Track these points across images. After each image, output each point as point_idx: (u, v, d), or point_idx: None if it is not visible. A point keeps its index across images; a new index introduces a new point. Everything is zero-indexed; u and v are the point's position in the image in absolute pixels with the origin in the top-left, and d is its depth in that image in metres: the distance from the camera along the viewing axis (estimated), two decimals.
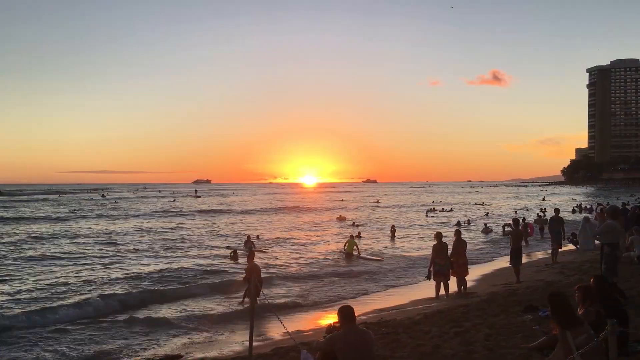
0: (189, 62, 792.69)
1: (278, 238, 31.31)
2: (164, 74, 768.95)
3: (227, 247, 22.90)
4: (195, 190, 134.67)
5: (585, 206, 54.36)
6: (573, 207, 57.11)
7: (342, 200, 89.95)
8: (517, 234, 14.94)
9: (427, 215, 51.70)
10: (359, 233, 32.76)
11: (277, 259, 22.91)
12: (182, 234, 33.72)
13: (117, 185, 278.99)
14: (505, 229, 17.73)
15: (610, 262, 10.13)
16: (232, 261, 21.13)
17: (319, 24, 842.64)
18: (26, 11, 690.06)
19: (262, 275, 17.05)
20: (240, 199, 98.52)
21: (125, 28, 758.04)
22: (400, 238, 31.91)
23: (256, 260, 21.54)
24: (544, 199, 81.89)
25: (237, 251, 22.67)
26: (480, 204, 67.97)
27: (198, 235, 33.35)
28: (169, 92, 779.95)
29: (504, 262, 20.71)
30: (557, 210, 19.14)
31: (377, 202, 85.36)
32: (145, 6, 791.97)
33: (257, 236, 29.98)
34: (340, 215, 47.93)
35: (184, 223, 42.65)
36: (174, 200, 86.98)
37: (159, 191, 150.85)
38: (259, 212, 57.56)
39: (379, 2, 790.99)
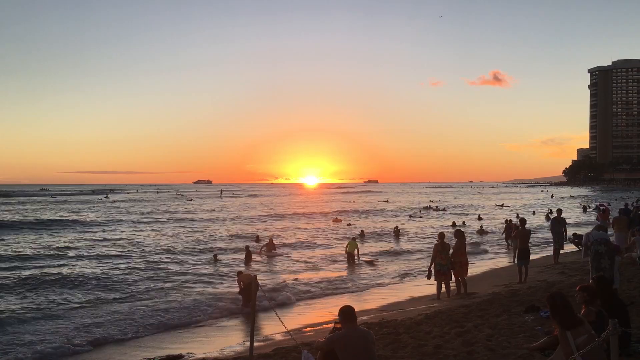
0: (190, 62, 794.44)
1: (281, 237, 31.34)
2: (165, 74, 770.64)
3: (215, 255, 22.99)
4: (221, 191, 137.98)
5: (596, 206, 54.45)
6: (583, 206, 57.37)
7: (353, 201, 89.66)
8: (524, 234, 14.88)
9: (410, 217, 50.48)
10: (362, 232, 32.73)
11: (280, 261, 22.95)
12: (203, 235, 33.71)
13: (125, 185, 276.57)
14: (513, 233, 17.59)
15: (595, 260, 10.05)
16: (215, 264, 21.36)
17: (320, 24, 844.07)
18: (30, 12, 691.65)
19: (265, 280, 17.11)
20: (253, 200, 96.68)
21: (128, 28, 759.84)
22: (404, 237, 31.95)
23: (277, 262, 21.99)
24: (552, 196, 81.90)
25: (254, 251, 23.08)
26: (500, 205, 67.04)
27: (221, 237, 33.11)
28: (171, 92, 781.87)
29: (505, 262, 20.74)
30: (559, 211, 19.09)
31: (386, 201, 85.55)
32: (148, 6, 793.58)
33: (260, 239, 29.58)
34: (336, 218, 47.85)
35: (211, 227, 40.23)
36: (191, 200, 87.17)
37: (157, 191, 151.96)
38: (275, 216, 54.33)
39: (380, 2, 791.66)
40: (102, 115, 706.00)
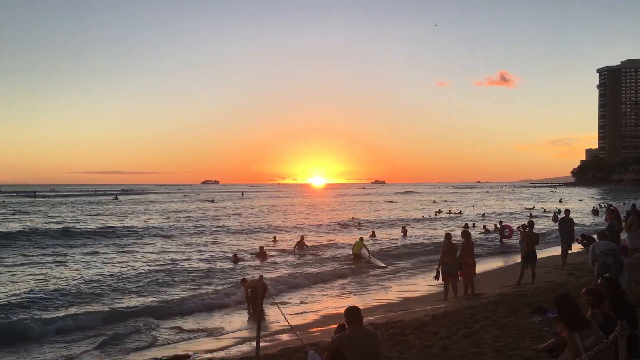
0: (197, 62, 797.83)
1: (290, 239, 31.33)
2: (172, 74, 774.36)
3: (235, 255, 22.87)
4: (242, 192, 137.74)
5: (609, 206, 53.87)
6: (594, 208, 56.78)
7: (370, 201, 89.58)
8: (530, 237, 14.77)
9: (423, 217, 49.83)
10: (373, 232, 32.64)
11: (287, 260, 22.95)
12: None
13: (144, 185, 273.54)
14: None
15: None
16: (233, 264, 21.31)
17: (327, 24, 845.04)
18: (37, 13, 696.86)
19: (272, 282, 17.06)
20: (278, 202, 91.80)
21: (135, 27, 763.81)
22: (411, 237, 31.88)
23: (286, 262, 21.96)
24: (560, 200, 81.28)
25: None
26: (530, 208, 66.02)
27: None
28: (178, 92, 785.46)
29: (511, 262, 20.63)
30: (567, 211, 18.95)
31: (392, 201, 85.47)
32: (154, 5, 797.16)
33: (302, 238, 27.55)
34: (353, 217, 47.75)
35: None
36: (213, 202, 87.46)
37: (163, 191, 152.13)
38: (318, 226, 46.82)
39: (386, 2, 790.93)
40: (109, 115, 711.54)
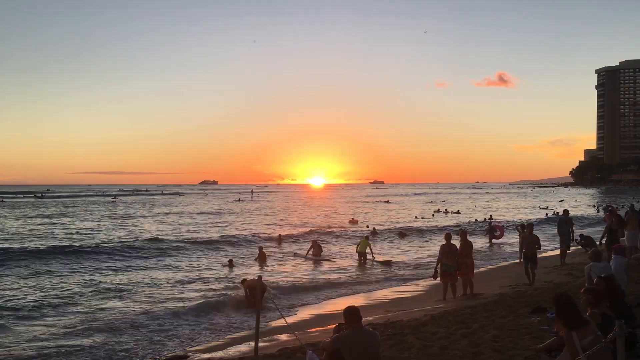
0: (197, 62, 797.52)
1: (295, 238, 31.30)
2: (172, 74, 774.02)
3: (230, 260, 22.32)
4: (252, 191, 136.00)
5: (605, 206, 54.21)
6: (601, 206, 57.09)
7: (374, 201, 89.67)
8: (527, 239, 14.72)
9: (416, 218, 50.15)
10: (374, 229, 32.65)
11: (289, 260, 22.89)
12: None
13: (149, 185, 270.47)
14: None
15: None
16: (229, 269, 20.58)
17: (326, 25, 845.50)
18: (37, 13, 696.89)
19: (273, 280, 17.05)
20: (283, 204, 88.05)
21: (136, 27, 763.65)
22: (410, 240, 31.87)
23: (288, 263, 21.75)
24: (562, 201, 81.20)
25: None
26: (544, 208, 65.50)
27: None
28: (177, 93, 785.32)
29: (511, 263, 20.64)
30: (566, 212, 18.95)
31: (387, 201, 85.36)
32: (154, 5, 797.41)
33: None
34: (352, 219, 47.79)
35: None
36: (239, 200, 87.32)
37: (162, 191, 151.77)
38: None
39: (386, 3, 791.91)
40: (108, 115, 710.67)
